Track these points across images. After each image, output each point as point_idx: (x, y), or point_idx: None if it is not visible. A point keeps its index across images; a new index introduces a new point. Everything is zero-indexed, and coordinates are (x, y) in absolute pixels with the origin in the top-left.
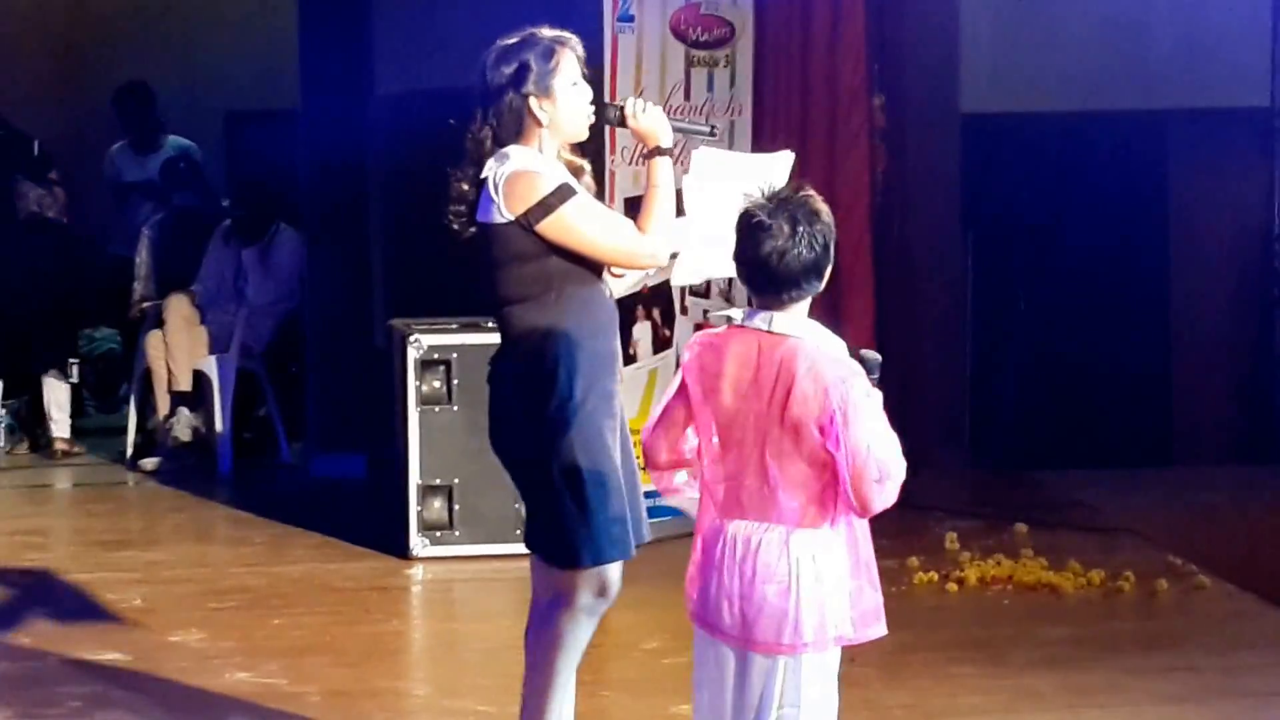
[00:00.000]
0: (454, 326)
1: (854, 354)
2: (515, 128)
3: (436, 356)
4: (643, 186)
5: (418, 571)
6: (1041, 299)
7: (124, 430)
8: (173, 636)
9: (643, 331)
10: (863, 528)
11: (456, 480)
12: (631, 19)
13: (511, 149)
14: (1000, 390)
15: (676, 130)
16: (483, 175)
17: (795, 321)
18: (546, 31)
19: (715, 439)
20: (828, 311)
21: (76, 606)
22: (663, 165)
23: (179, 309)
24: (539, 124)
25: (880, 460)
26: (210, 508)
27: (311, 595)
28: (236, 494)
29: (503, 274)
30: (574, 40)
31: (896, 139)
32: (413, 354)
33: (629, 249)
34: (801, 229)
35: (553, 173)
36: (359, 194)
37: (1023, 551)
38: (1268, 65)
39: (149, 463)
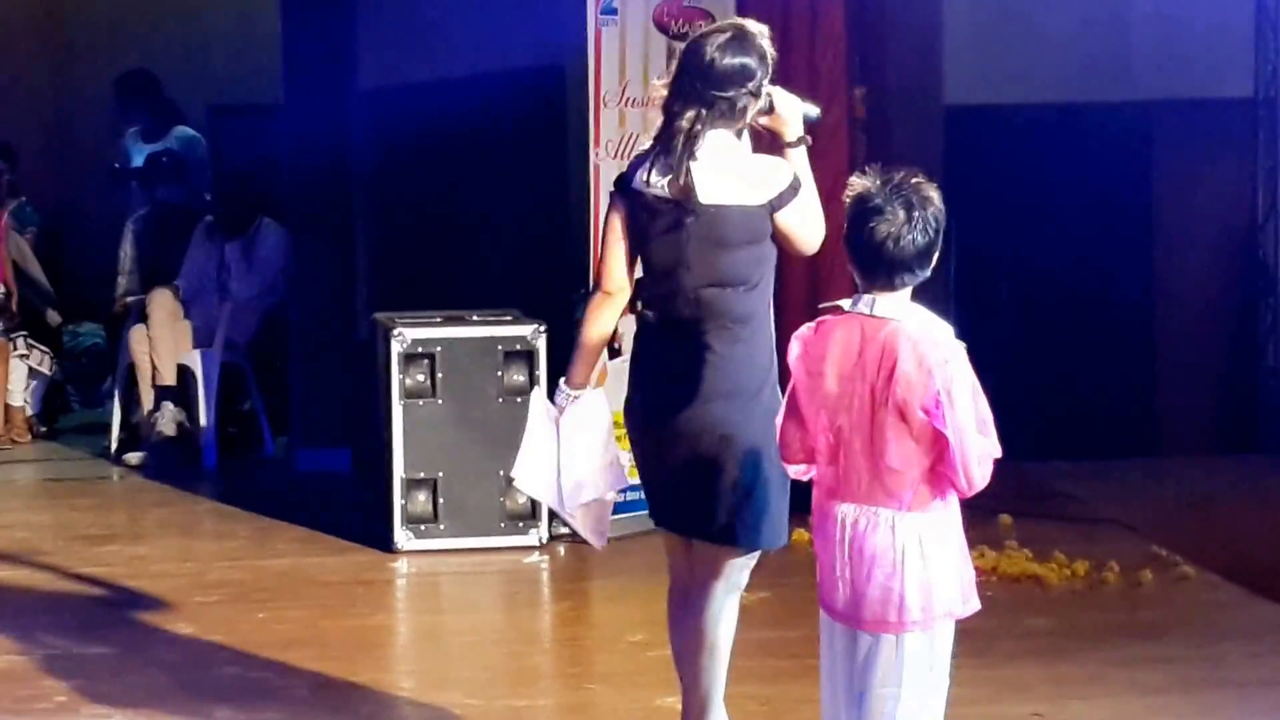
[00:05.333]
0: (437, 320)
1: None
2: (728, 119)
3: (420, 350)
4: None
5: (402, 565)
6: (1025, 289)
7: (108, 425)
8: (159, 630)
9: (627, 325)
10: (957, 504)
11: (441, 474)
12: (614, 11)
13: (722, 132)
14: (983, 380)
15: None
16: (697, 155)
17: (898, 305)
18: (753, 26)
19: (825, 424)
20: (808, 305)
21: (61, 601)
22: (799, 155)
23: (163, 303)
24: (744, 118)
25: (984, 439)
26: (195, 502)
27: (297, 589)
28: (221, 488)
29: (731, 256)
30: (770, 35)
31: (879, 130)
32: (396, 347)
33: (821, 236)
34: (916, 213)
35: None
36: (342, 188)
37: (1007, 543)
38: (1251, 55)
39: (133, 457)
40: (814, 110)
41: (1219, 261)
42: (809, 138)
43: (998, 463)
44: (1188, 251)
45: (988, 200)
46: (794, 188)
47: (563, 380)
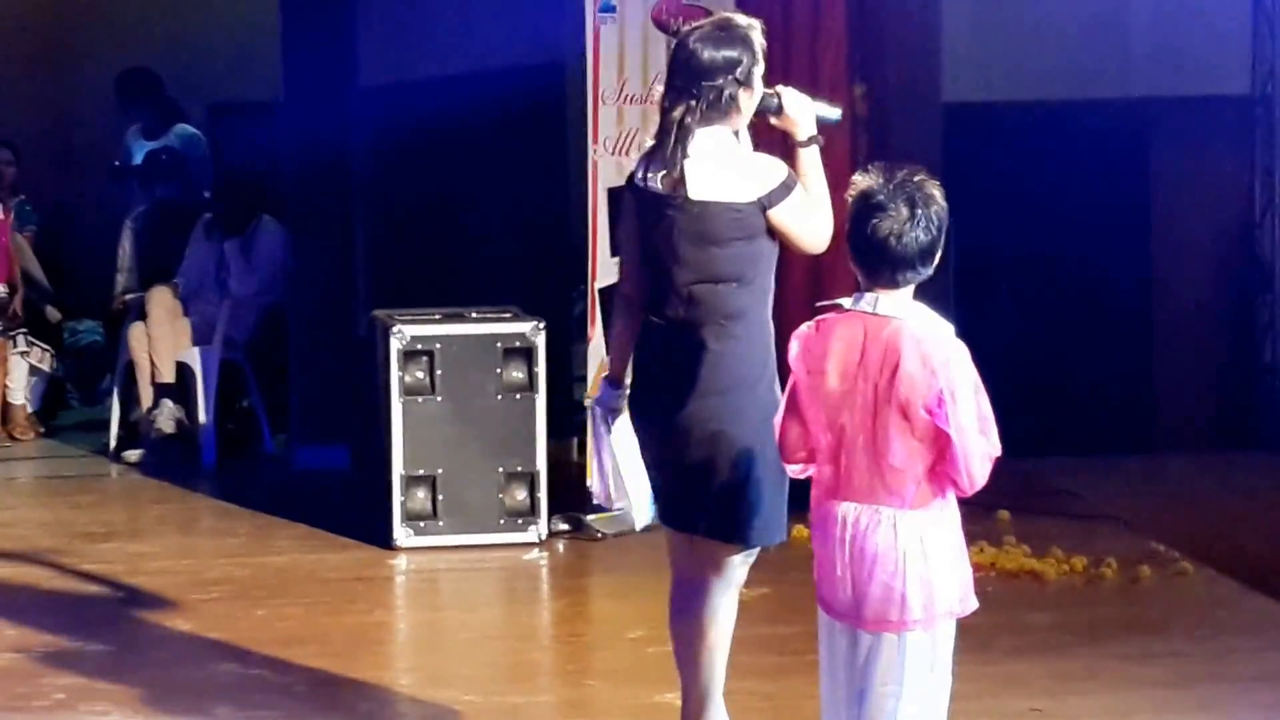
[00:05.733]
0: (436, 317)
1: None
2: (719, 111)
3: (419, 347)
4: (625, 177)
5: (401, 562)
6: (1023, 286)
7: (107, 423)
8: (158, 627)
9: None
10: (955, 502)
11: (440, 470)
12: (613, 9)
13: (718, 129)
14: (982, 377)
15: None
16: (690, 152)
17: (900, 303)
18: (742, 19)
19: (825, 423)
20: (810, 302)
21: (60, 598)
22: (810, 155)
23: (162, 301)
24: (739, 111)
25: (985, 438)
26: (194, 499)
27: (296, 586)
28: (220, 485)
29: (722, 252)
30: (761, 28)
31: (878, 128)
32: (395, 345)
33: (827, 234)
34: (919, 211)
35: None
36: (342, 186)
37: (1005, 539)
38: (1248, 53)
39: (132, 455)
40: (833, 112)
41: (1216, 259)
42: (821, 138)
43: (996, 459)
44: (1185, 249)
45: (986, 198)
46: (786, 186)
47: (604, 380)
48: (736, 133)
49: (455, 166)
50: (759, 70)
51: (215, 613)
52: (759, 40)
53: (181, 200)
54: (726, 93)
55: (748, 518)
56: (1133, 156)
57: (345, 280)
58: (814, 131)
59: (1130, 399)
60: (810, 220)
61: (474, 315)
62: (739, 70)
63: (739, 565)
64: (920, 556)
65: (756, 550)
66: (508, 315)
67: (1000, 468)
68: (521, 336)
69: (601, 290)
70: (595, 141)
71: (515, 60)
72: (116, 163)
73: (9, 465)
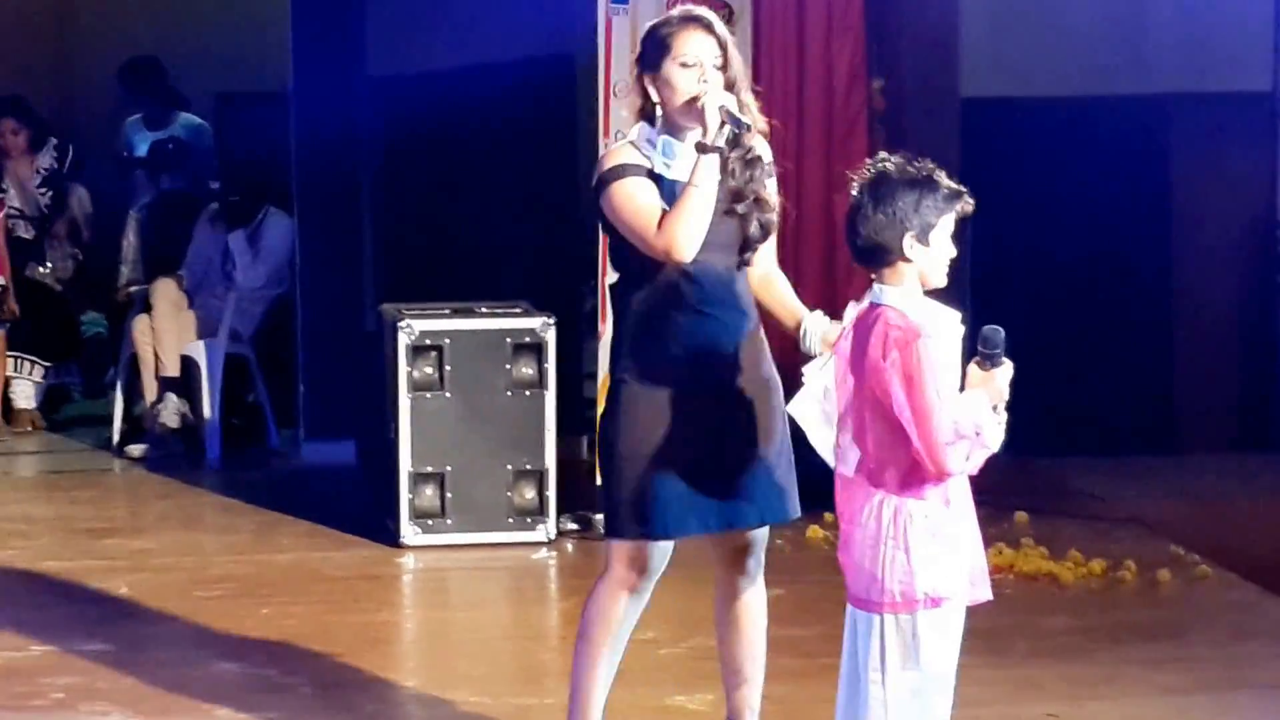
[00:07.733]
0: (446, 312)
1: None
2: (639, 104)
3: (428, 342)
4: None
5: (409, 560)
6: (1041, 283)
7: (110, 416)
8: (159, 626)
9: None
10: (960, 491)
11: (448, 467)
12: (626, 1)
13: (635, 127)
14: None
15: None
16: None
17: (892, 293)
18: (677, 10)
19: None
20: (826, 296)
21: (61, 595)
22: (703, 163)
23: (166, 293)
24: (650, 100)
25: (951, 421)
26: (198, 495)
27: (301, 584)
28: (225, 481)
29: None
30: (703, 18)
31: (895, 122)
32: (404, 339)
33: (643, 240)
34: (866, 202)
35: (626, 153)
36: (350, 177)
37: (1023, 540)
38: (1269, 49)
39: (136, 449)
40: (745, 117)
41: (1237, 256)
42: (724, 149)
43: (1014, 460)
44: (1205, 246)
45: (1004, 193)
46: (599, 181)
47: None
48: (653, 119)
49: (465, 159)
50: (671, 58)
51: (218, 611)
52: (682, 28)
53: (187, 191)
54: (638, 85)
55: (605, 512)
56: (1152, 153)
57: (353, 273)
58: (716, 141)
59: (1150, 399)
60: (628, 218)
61: (484, 310)
62: (643, 62)
63: (611, 553)
64: (899, 539)
65: (627, 543)
66: (518, 310)
67: (1018, 468)
68: (532, 332)
69: (611, 286)
70: (606, 135)
71: (526, 52)
72: (125, 153)
73: (11, 459)
